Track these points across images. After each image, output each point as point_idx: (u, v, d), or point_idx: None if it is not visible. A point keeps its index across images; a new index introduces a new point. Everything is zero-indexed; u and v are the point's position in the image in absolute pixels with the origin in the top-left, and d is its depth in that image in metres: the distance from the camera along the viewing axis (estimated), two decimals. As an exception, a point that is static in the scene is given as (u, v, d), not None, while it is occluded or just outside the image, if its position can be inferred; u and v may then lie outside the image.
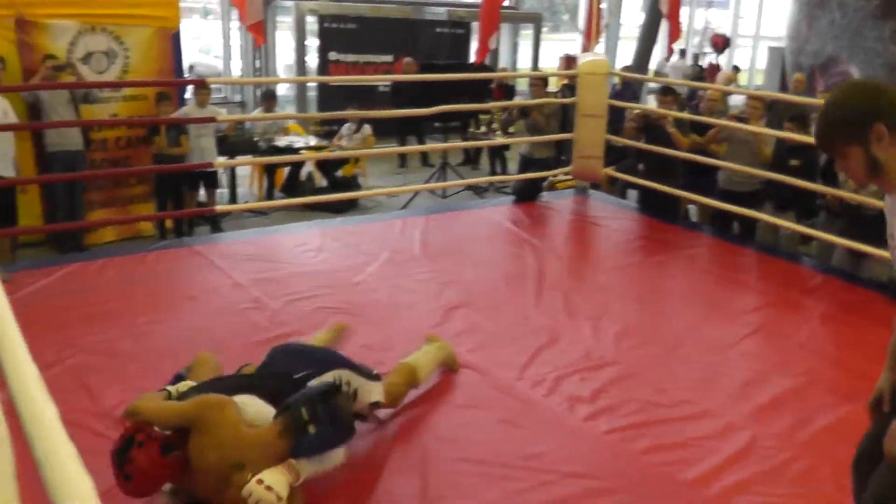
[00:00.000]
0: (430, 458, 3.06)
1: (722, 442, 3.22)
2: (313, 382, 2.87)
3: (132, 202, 8.02)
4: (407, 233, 5.97)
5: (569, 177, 7.44)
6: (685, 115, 6.79)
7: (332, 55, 12.52)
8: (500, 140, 9.42)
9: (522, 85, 12.97)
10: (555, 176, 7.72)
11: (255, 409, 2.69)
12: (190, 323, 4.29)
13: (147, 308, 4.48)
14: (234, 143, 8.98)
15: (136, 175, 7.98)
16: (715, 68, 14.98)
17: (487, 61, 12.20)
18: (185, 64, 9.14)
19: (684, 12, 15.83)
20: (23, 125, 6.76)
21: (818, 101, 6.44)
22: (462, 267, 5.25)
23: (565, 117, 8.02)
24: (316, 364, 3.01)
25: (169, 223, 8.04)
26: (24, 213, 6.79)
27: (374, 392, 3.10)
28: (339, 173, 9.66)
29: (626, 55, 14.98)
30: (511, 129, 8.66)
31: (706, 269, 5.50)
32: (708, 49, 17.90)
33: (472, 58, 12.93)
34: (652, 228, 6.33)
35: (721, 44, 16.91)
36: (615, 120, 7.10)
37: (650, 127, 6.76)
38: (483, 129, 10.91)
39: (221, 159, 8.20)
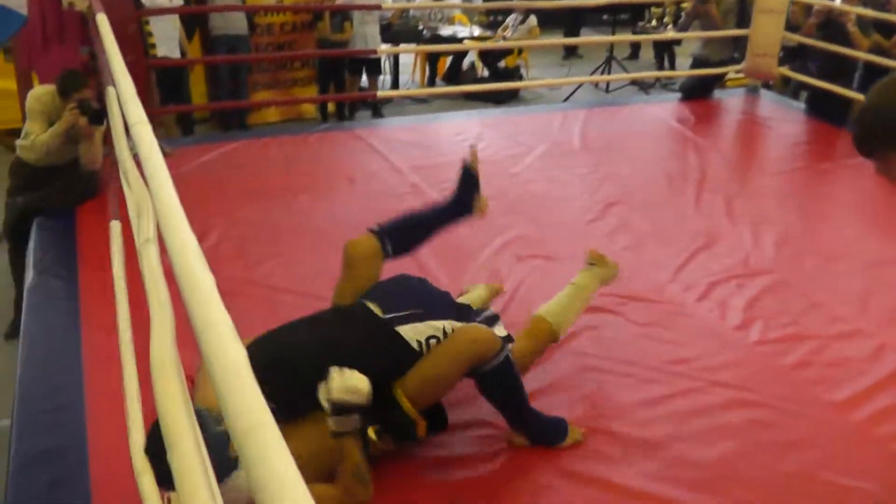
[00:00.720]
0: (574, 356, 3.06)
1: (873, 364, 3.07)
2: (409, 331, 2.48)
3: (295, 85, 8.20)
4: (567, 126, 5.88)
5: (740, 74, 7.10)
6: (870, 12, 6.30)
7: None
8: (670, 35, 9.06)
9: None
10: (725, 74, 7.37)
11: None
12: (348, 204, 4.39)
13: (306, 187, 4.60)
14: (398, 31, 8.99)
15: (299, 59, 8.13)
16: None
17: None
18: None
19: None
20: (188, 9, 6.97)
21: None
22: (621, 163, 5.14)
23: (742, 15, 7.61)
24: (424, 306, 2.56)
25: (331, 107, 8.19)
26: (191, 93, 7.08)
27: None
28: (502, 64, 9.55)
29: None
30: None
31: (873, 179, 5.17)
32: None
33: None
34: (821, 133, 5.99)
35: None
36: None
37: (829, 24, 6.33)
38: (653, 22, 10.50)
39: (385, 46, 8.24)
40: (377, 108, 8.22)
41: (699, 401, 2.85)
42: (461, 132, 5.68)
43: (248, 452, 0.88)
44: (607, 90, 9.32)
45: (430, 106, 8.35)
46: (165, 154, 5.18)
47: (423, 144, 5.43)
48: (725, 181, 4.91)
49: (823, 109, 6.33)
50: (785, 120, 6.26)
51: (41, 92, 4.25)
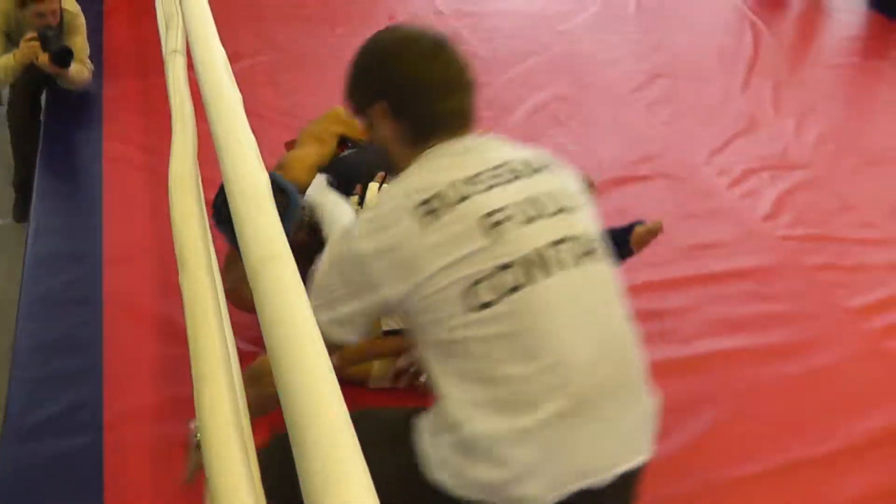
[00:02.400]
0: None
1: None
2: None
3: None
4: (624, -13, 5.64)
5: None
6: None
7: None
8: None
9: None
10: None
11: None
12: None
13: (346, 20, 4.48)
14: None
15: None
16: None
17: None
18: None
19: None
20: None
21: None
22: (675, 33, 4.95)
23: None
24: None
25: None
26: None
27: None
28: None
29: None
30: None
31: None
32: None
33: None
34: (880, 28, 5.71)
35: None
36: None
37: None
38: None
39: None
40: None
41: (714, 288, 2.82)
42: (513, -20, 5.47)
43: (261, 284, 0.85)
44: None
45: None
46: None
47: (472, -11, 5.23)
48: (776, 66, 4.73)
49: (887, 2, 6.04)
50: (847, 10, 5.98)
51: None
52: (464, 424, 1.38)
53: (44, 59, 3.31)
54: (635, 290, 2.69)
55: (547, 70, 4.05)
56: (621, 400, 1.47)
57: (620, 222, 3.01)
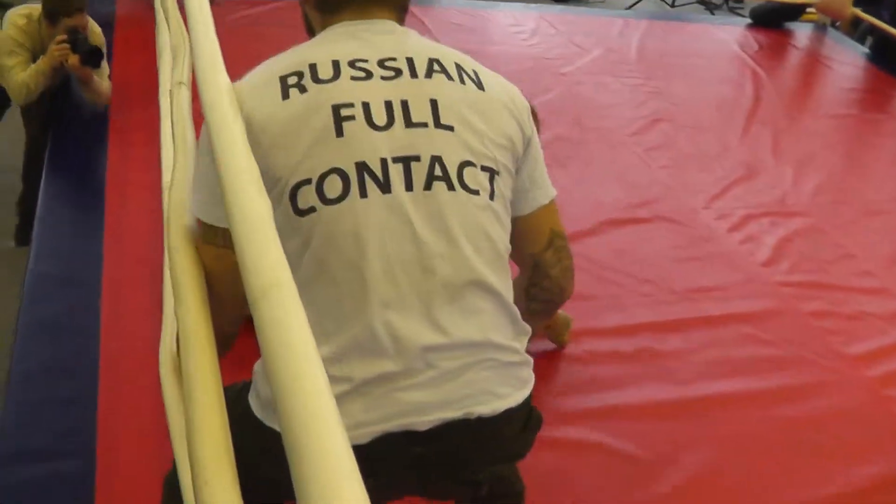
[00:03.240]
0: (591, 265, 3.01)
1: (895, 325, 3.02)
2: None
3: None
4: (626, 34, 5.70)
5: (812, 10, 6.84)
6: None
7: None
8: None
9: None
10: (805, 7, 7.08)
11: None
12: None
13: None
14: None
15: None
16: None
17: None
18: None
19: None
20: None
21: None
22: (674, 81, 5.00)
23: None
24: None
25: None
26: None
27: None
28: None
29: None
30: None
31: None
32: None
33: None
34: (880, 82, 5.78)
35: None
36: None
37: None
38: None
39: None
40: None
41: (711, 331, 2.82)
42: (516, 24, 5.53)
43: (263, 313, 0.85)
44: (672, 5, 9.04)
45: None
46: (213, 2, 5.03)
47: (476, 31, 5.28)
48: (776, 116, 4.78)
49: (886, 58, 6.11)
50: (846, 63, 6.05)
51: (20, 15, 3.45)
52: None
53: (74, 60, 3.33)
54: (632, 331, 2.74)
55: (548, 111, 4.07)
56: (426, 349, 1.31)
57: (619, 263, 3.05)
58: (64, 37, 3.31)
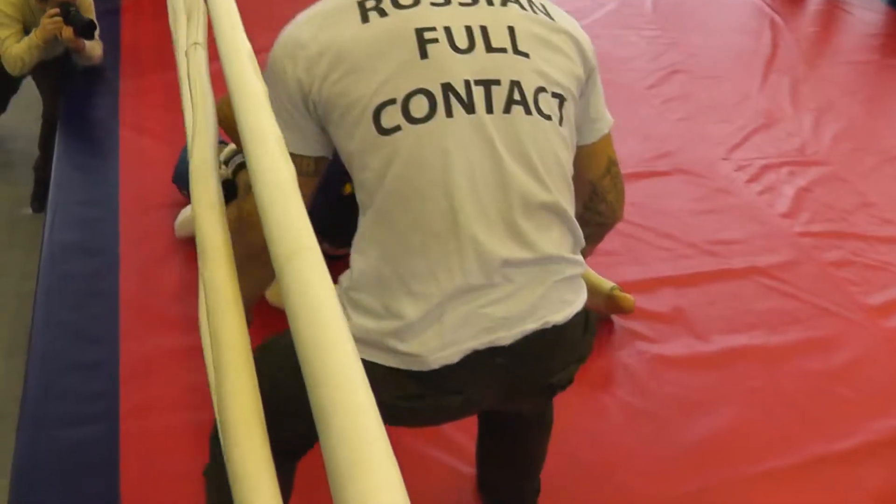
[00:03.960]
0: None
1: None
2: None
3: None
4: (642, -15, 5.61)
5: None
6: None
7: None
8: None
9: None
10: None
11: None
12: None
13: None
14: None
15: None
16: None
17: None
18: None
19: None
20: None
21: None
22: (692, 31, 4.93)
23: None
24: None
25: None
26: None
27: None
28: None
29: None
30: None
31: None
32: None
33: None
34: (901, 26, 5.70)
35: None
36: None
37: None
38: None
39: None
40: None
41: (731, 284, 2.81)
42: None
43: (288, 279, 0.84)
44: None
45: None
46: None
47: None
48: (795, 63, 4.70)
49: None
50: (866, 8, 5.94)
51: None
52: (353, 269, 1.35)
53: (68, 32, 3.35)
54: (654, 285, 2.73)
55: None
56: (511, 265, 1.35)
57: (639, 217, 3.02)
58: (56, 10, 3.32)
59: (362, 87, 1.32)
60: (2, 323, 3.12)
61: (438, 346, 1.31)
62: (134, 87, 3.56)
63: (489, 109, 1.33)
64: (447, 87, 1.32)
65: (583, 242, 1.48)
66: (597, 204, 1.64)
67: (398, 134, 1.31)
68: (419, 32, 1.33)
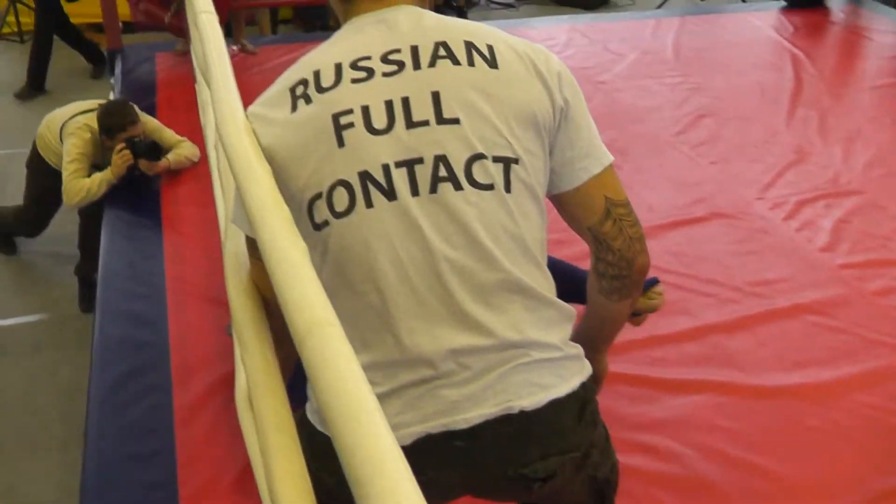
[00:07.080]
0: (653, 272, 2.98)
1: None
2: None
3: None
4: (659, 34, 5.67)
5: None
6: None
7: None
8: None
9: None
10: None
11: None
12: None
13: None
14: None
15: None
16: None
17: None
18: None
19: None
20: None
21: None
22: (714, 74, 4.96)
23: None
24: None
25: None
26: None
27: None
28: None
29: None
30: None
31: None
32: None
33: None
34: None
35: None
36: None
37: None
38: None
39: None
40: (463, 11, 8.06)
41: (779, 324, 2.78)
42: (549, 37, 5.52)
43: (309, 351, 0.87)
44: (703, -2, 8.97)
45: (519, 11, 8.15)
46: (249, 51, 5.12)
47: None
48: (820, 95, 4.70)
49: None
50: (886, 31, 5.93)
51: (81, 125, 3.52)
52: None
53: (144, 164, 3.46)
54: (702, 333, 2.71)
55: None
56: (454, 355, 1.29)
57: (680, 265, 3.02)
58: (122, 145, 3.41)
59: (294, 183, 1.30)
60: (52, 419, 3.20)
61: (391, 425, 1.26)
62: (175, 184, 3.64)
63: (414, 192, 1.26)
64: (364, 176, 1.26)
65: (568, 319, 1.39)
66: (603, 254, 1.46)
67: (327, 229, 1.28)
68: (335, 118, 1.28)
